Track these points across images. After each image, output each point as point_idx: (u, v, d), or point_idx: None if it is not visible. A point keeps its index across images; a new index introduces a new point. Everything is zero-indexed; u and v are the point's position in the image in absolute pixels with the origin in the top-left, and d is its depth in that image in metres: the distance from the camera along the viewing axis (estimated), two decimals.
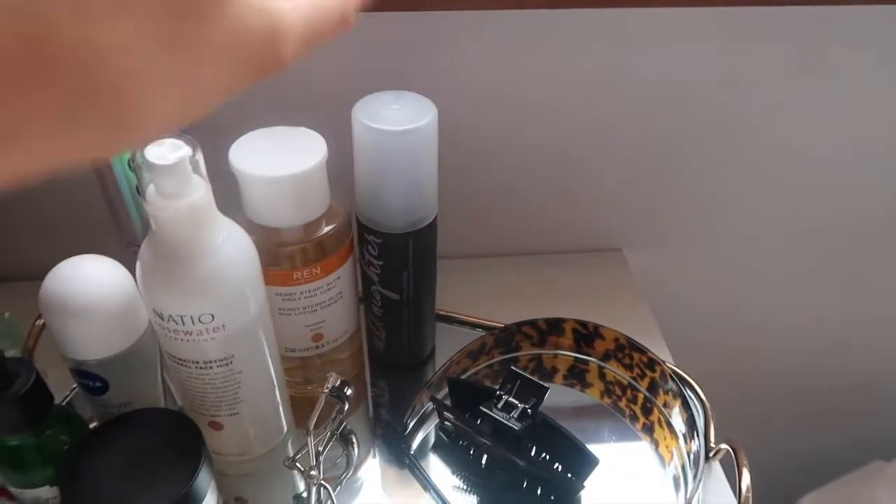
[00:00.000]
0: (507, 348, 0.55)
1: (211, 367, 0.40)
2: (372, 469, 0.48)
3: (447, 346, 0.54)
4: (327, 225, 0.44)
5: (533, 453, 0.45)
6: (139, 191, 0.44)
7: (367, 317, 0.51)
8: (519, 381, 0.45)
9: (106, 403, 0.43)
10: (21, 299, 0.49)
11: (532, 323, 0.54)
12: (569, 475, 0.45)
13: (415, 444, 0.49)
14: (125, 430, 0.40)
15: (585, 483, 0.45)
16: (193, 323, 0.37)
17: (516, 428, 0.42)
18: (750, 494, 0.41)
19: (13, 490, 0.40)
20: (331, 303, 0.46)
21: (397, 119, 0.41)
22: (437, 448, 0.49)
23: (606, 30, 0.53)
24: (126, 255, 0.47)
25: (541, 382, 0.45)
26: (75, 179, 0.55)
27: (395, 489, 0.47)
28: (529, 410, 0.43)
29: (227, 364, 0.40)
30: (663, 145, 0.61)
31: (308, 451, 0.44)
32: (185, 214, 0.35)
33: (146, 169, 0.34)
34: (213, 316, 0.37)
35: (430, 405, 0.50)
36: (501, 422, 0.43)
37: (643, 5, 0.51)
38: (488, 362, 0.54)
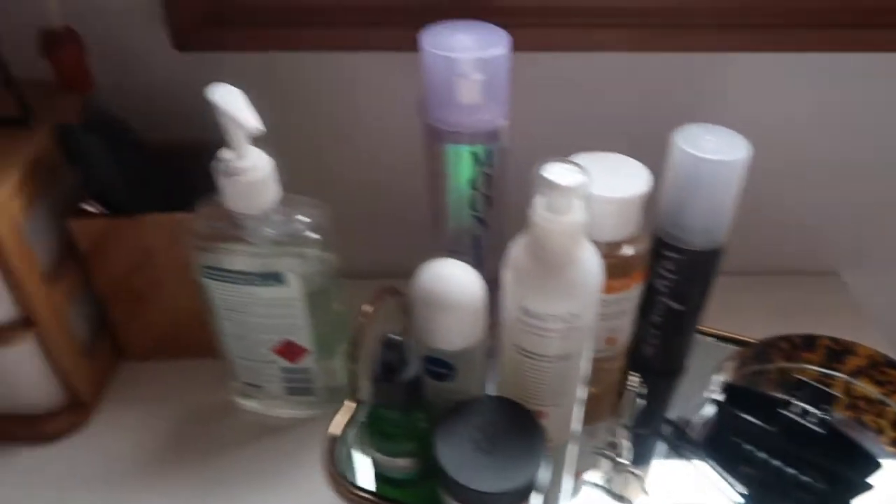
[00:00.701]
0: (761, 360, 0.59)
1: (554, 362, 0.46)
2: (650, 462, 0.53)
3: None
4: (638, 242, 0.49)
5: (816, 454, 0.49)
6: (475, 206, 0.51)
7: (642, 325, 0.57)
8: (807, 389, 0.49)
9: (444, 390, 0.49)
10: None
11: (787, 338, 0.58)
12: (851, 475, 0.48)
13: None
14: (472, 413, 0.46)
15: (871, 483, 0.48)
16: (557, 321, 0.43)
17: (821, 431, 0.46)
18: None
19: (377, 456, 0.47)
20: (628, 311, 0.52)
21: (714, 149, 0.47)
22: (710, 446, 0.54)
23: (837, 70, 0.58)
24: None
25: (829, 391, 0.49)
26: (404, 192, 0.63)
27: (674, 481, 0.52)
28: (824, 416, 0.48)
29: (567, 360, 0.46)
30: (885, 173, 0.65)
31: (615, 441, 0.49)
32: (569, 228, 0.41)
33: (543, 186, 0.40)
34: (575, 316, 0.43)
35: (704, 406, 0.55)
36: (804, 425, 0.47)
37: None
38: (744, 371, 0.59)
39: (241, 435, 0.55)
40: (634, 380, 0.51)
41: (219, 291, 0.47)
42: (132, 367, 0.60)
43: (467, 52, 0.45)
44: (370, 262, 0.52)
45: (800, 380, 0.50)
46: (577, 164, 0.40)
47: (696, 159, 0.47)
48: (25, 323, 0.49)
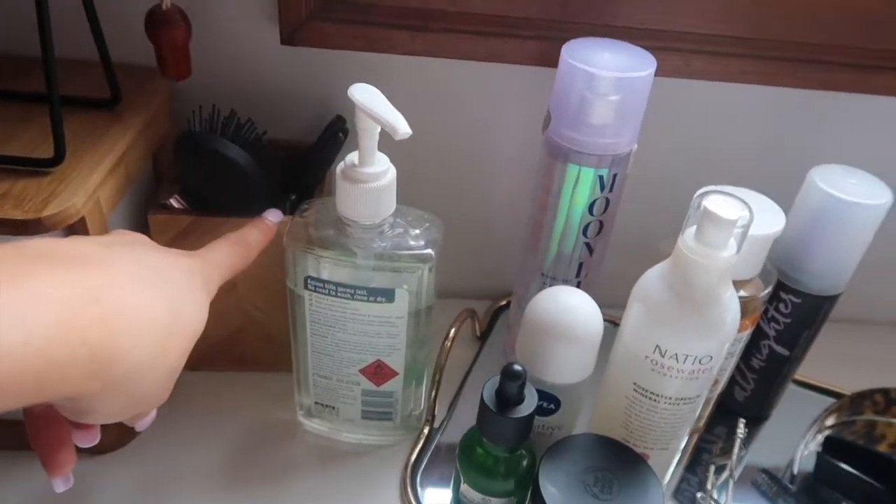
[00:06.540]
0: (852, 412, 0.56)
1: (678, 404, 0.42)
2: None
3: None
4: (760, 283, 0.47)
5: None
6: (587, 232, 0.48)
7: (739, 368, 0.54)
8: None
9: (543, 425, 0.46)
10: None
11: (884, 391, 0.56)
12: None
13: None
14: (578, 453, 0.43)
15: None
16: (689, 362, 0.40)
17: None
18: None
19: (471, 493, 0.43)
20: (736, 354, 0.49)
21: (856, 191, 0.44)
22: (806, 497, 0.51)
23: None
24: (534, 281, 0.51)
25: None
26: (503, 211, 0.58)
27: None
28: None
29: (690, 402, 0.43)
30: None
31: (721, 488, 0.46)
32: (721, 265, 0.38)
33: (702, 217, 0.37)
34: (710, 357, 0.40)
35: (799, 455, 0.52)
36: None
37: None
38: (834, 423, 0.56)
39: (306, 458, 0.51)
40: (741, 425, 0.48)
41: (316, 304, 0.43)
42: (181, 376, 0.55)
43: (608, 70, 0.42)
44: (450, 280, 0.48)
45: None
46: (738, 197, 0.37)
47: (835, 200, 0.44)
48: None
